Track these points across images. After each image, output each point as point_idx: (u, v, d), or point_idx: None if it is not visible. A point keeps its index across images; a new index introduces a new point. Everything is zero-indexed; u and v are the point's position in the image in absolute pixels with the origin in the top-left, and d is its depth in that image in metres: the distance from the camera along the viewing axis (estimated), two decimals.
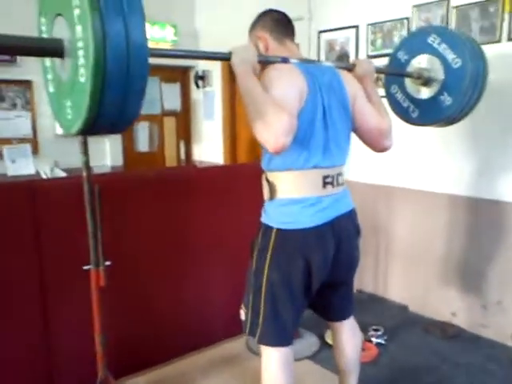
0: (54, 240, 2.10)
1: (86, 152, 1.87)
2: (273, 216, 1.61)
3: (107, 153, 4.33)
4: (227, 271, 2.72)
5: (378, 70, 2.01)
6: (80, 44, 1.05)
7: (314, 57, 3.59)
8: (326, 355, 2.56)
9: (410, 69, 2.15)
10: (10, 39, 1.11)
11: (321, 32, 3.53)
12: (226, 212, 2.67)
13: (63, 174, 3.84)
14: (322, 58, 3.54)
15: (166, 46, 4.63)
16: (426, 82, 2.08)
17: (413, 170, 3.10)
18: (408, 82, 2.18)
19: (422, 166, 3.04)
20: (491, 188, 2.72)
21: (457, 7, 2.71)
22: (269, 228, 1.61)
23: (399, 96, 2.23)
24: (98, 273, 1.94)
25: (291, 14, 1.78)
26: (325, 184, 1.60)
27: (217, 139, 4.85)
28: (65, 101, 1.21)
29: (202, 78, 4.82)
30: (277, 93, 1.43)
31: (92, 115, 1.09)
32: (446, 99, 2.02)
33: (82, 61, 1.06)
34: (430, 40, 2.07)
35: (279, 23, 1.71)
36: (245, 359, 2.57)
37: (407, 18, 2.96)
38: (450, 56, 2.00)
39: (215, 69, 4.68)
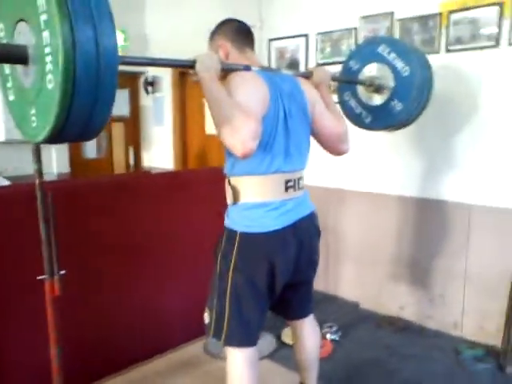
0: (4, 251, 2.03)
1: (38, 159, 1.83)
2: (236, 220, 1.64)
3: (53, 160, 4.19)
4: (183, 276, 2.73)
5: (334, 78, 2.10)
6: (47, 50, 1.04)
7: (264, 64, 3.69)
8: (283, 354, 2.62)
9: (361, 77, 2.28)
10: None
11: (271, 40, 3.63)
12: (181, 217, 2.69)
13: (7, 183, 3.67)
14: (273, 65, 3.64)
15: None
16: (378, 89, 2.22)
17: (363, 173, 3.25)
18: (360, 89, 2.31)
19: (372, 169, 3.20)
20: (437, 189, 2.91)
21: (400, 20, 2.90)
22: (232, 232, 1.64)
23: (352, 103, 2.35)
24: (53, 282, 1.89)
25: None
26: (287, 188, 1.65)
27: (167, 145, 4.83)
28: (29, 108, 1.18)
29: (151, 83, 4.79)
30: (242, 98, 1.46)
31: (60, 123, 1.07)
32: (397, 105, 2.17)
33: (49, 67, 1.04)
34: (380, 49, 2.20)
35: (240, 32, 1.75)
36: (204, 362, 2.58)
37: (355, 28, 3.12)
38: (400, 65, 2.15)
39: (165, 75, 4.68)
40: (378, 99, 2.26)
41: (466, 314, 2.86)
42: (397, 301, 3.15)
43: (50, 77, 1.05)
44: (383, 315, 3.15)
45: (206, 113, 4.47)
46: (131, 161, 5.14)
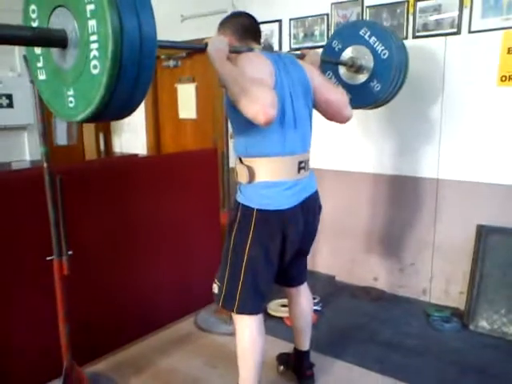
0: (14, 233, 2.08)
1: (45, 143, 1.89)
2: (253, 198, 1.78)
3: (26, 147, 4.15)
4: (174, 257, 2.84)
5: (322, 59, 2.26)
6: (94, 37, 1.11)
7: None
8: (270, 325, 2.78)
9: (343, 57, 2.44)
10: (13, 29, 1.15)
11: None
12: (173, 198, 2.77)
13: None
14: None
15: None
16: (358, 70, 2.40)
17: (338, 153, 3.43)
18: (342, 69, 2.47)
19: (348, 149, 3.38)
20: (408, 166, 3.12)
21: (370, 7, 3.06)
22: (249, 208, 1.77)
23: (334, 81, 2.51)
24: (62, 262, 1.98)
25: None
26: (299, 169, 1.80)
27: (139, 131, 4.84)
28: (65, 89, 1.25)
29: None
30: (253, 74, 1.58)
31: (102, 105, 1.17)
32: (376, 85, 2.35)
33: (94, 53, 1.12)
34: (361, 32, 2.36)
35: (248, 31, 1.86)
36: (197, 337, 2.72)
37: (327, 15, 3.26)
38: (379, 48, 2.32)
39: None
40: (358, 79, 2.43)
41: (433, 280, 3.12)
42: (370, 272, 3.39)
43: (95, 62, 1.13)
44: (358, 286, 3.38)
45: (178, 98, 4.52)
46: (102, 147, 5.12)
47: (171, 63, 4.43)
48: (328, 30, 3.29)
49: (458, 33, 2.80)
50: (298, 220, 1.82)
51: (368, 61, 2.39)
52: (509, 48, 2.64)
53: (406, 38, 2.96)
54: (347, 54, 2.45)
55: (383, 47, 2.33)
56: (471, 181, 2.88)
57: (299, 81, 1.81)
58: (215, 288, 1.90)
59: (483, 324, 2.74)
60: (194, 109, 4.41)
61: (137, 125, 4.82)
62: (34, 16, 1.29)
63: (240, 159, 1.82)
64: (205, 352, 2.53)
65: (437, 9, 2.84)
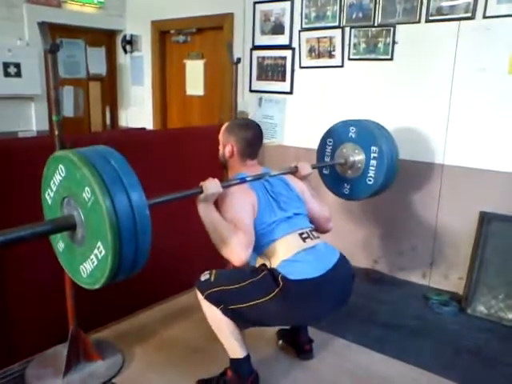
0: (23, 200, 2.10)
1: (58, 112, 1.91)
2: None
3: (33, 118, 4.14)
4: (177, 231, 2.88)
5: (314, 167, 2.42)
6: (94, 219, 1.30)
7: (249, 29, 3.77)
8: None
9: (337, 155, 2.66)
10: (36, 227, 1.36)
11: (256, 3, 3.68)
12: (179, 171, 2.80)
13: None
14: (257, 29, 3.71)
15: (93, 7, 4.49)
16: (352, 166, 2.60)
17: None
18: (336, 166, 2.67)
19: None
20: (414, 151, 3.11)
21: None
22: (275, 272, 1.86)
23: (330, 176, 2.74)
24: None
25: None
26: (304, 239, 1.93)
27: (146, 105, 4.83)
28: (78, 264, 1.43)
29: (129, 42, 4.73)
30: (236, 213, 1.83)
31: (112, 274, 1.35)
32: (370, 179, 2.56)
33: (97, 235, 1.31)
34: (350, 131, 2.60)
35: (250, 145, 2.06)
36: (199, 309, 2.74)
37: None
38: (369, 144, 2.53)
39: (144, 34, 4.63)
40: (353, 174, 2.63)
41: (433, 265, 3.16)
42: (371, 254, 3.43)
43: (99, 243, 1.31)
44: (359, 268, 3.42)
45: (186, 74, 4.50)
46: (108, 120, 5.12)
47: (180, 38, 4.40)
48: (341, 11, 3.26)
49: (472, 17, 2.78)
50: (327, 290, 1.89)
51: (360, 156, 2.57)
52: None
53: (419, 21, 2.94)
54: (340, 152, 2.65)
55: (374, 146, 2.50)
56: (477, 168, 2.89)
57: (287, 190, 2.06)
58: (205, 275, 1.99)
59: (481, 308, 2.79)
60: (202, 85, 4.40)
61: (144, 99, 4.82)
62: (50, 202, 1.51)
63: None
64: (206, 324, 2.57)
65: None
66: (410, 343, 2.48)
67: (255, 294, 1.83)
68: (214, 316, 1.95)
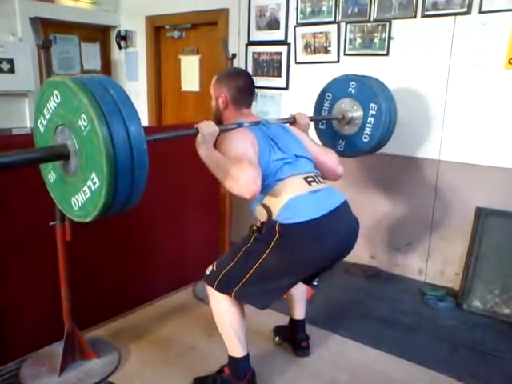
0: (17, 197, 2.09)
1: None
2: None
3: (26, 114, 4.11)
4: (174, 229, 2.87)
5: (312, 118, 2.39)
6: (90, 148, 1.25)
7: (244, 24, 3.74)
8: None
9: (335, 109, 2.60)
10: (26, 153, 1.31)
11: None
12: (172, 167, 2.78)
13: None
14: (252, 25, 3.69)
15: (87, 3, 4.45)
16: (349, 122, 2.55)
17: None
18: (334, 121, 2.62)
19: None
20: (410, 146, 3.12)
21: None
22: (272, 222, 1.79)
23: (327, 131, 2.68)
24: (64, 228, 1.99)
25: None
26: (309, 182, 1.84)
27: (141, 101, 4.79)
28: (71, 196, 1.39)
29: (124, 38, 4.70)
30: (237, 150, 1.74)
31: (106, 207, 1.29)
32: (366, 136, 2.52)
33: (93, 165, 1.26)
34: (350, 87, 2.54)
35: (242, 92, 2.00)
36: (195, 306, 2.77)
37: None
38: (368, 100, 2.48)
39: (139, 29, 4.60)
40: (350, 130, 2.58)
41: (429, 261, 3.17)
42: (368, 250, 3.43)
43: (93, 175, 1.26)
44: (355, 263, 3.42)
45: (182, 69, 4.48)
46: None
47: (175, 34, 4.36)
48: (336, 6, 3.24)
49: (468, 12, 2.77)
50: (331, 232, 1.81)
51: (358, 113, 2.53)
52: None
53: (415, 16, 2.93)
54: (339, 105, 2.60)
55: (373, 103, 2.47)
56: (473, 163, 2.89)
57: (287, 135, 1.99)
58: (209, 269, 1.97)
59: (476, 304, 2.79)
60: (197, 81, 4.37)
61: (139, 95, 4.79)
62: (42, 130, 1.45)
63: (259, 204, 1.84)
64: (202, 321, 2.57)
65: None
66: (407, 339, 2.48)
67: (254, 255, 1.79)
68: (221, 313, 1.93)
